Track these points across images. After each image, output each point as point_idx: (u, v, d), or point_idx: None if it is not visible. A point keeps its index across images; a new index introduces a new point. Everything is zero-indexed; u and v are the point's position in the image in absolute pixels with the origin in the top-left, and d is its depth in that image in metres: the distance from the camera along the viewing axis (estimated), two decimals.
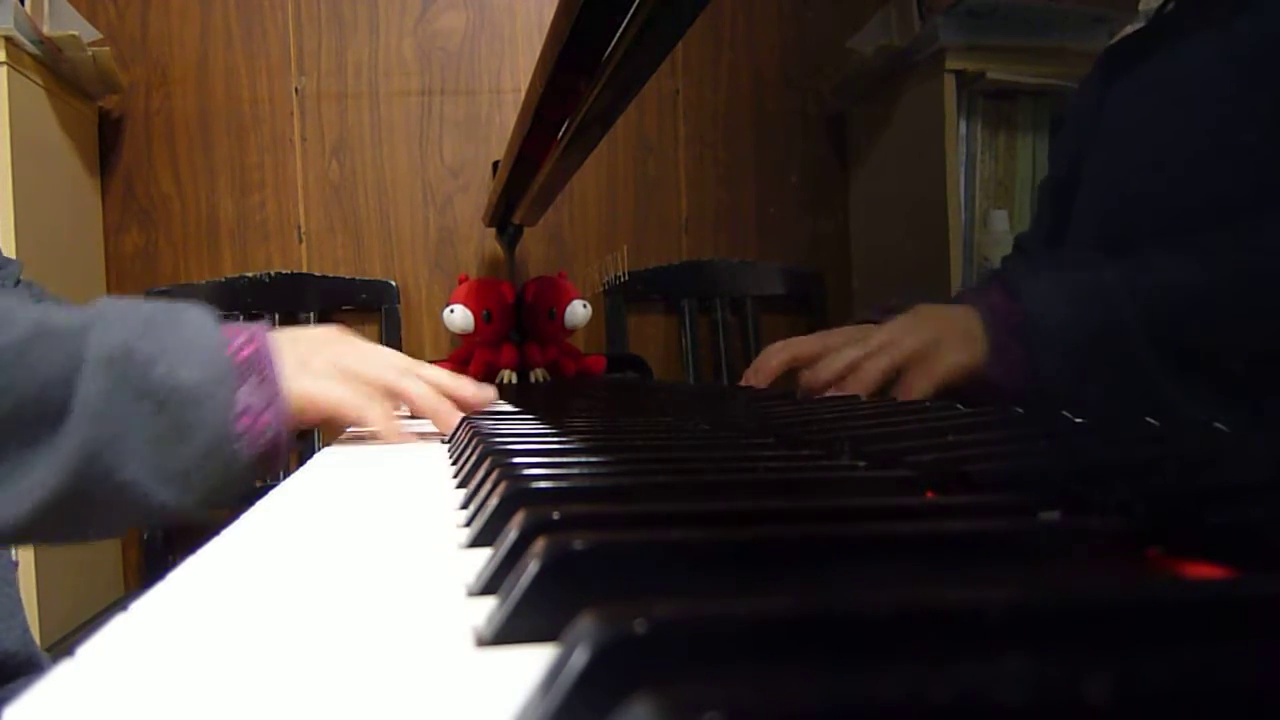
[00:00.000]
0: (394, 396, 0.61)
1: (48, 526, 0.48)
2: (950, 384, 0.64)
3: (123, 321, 0.49)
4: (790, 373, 0.83)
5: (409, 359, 0.66)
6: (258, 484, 0.51)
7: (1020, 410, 0.45)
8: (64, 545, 0.55)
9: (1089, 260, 0.59)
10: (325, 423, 0.59)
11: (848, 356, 0.71)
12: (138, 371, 0.48)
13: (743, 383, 0.89)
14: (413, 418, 0.69)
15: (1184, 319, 0.48)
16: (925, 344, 0.65)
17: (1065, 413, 0.42)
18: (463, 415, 0.63)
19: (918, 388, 0.65)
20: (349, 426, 0.62)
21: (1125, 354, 0.48)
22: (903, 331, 0.69)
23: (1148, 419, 0.37)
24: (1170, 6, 0.65)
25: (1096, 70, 0.72)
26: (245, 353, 0.52)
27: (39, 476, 0.46)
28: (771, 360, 0.85)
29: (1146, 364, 0.46)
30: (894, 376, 0.68)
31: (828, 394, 0.72)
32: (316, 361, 0.58)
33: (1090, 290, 0.53)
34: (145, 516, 0.49)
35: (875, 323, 0.81)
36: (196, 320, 0.51)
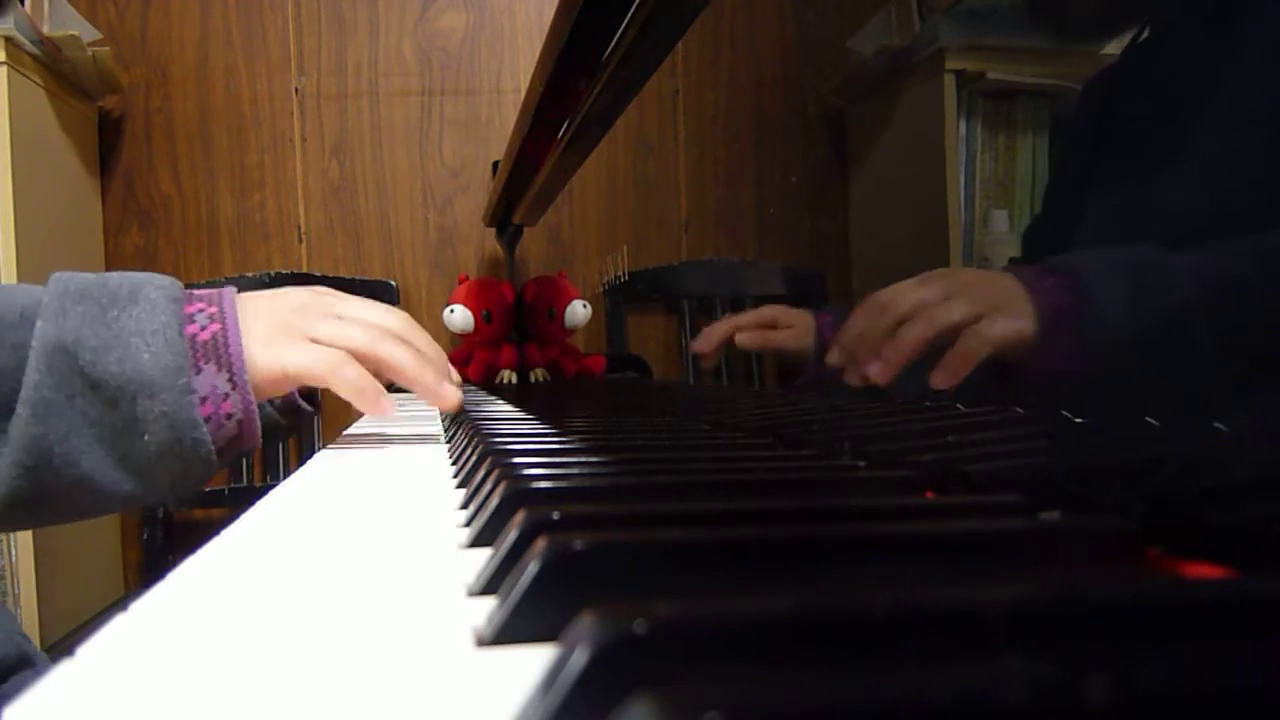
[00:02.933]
0: (372, 362, 0.56)
1: (6, 521, 0.47)
2: (999, 358, 0.56)
3: (75, 305, 0.47)
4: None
5: (398, 319, 0.61)
6: (261, 478, 0.50)
7: (1023, 409, 0.44)
8: (35, 529, 0.55)
9: (1148, 251, 0.54)
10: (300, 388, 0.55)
11: (874, 326, 0.60)
12: (88, 360, 0.45)
13: (693, 348, 0.89)
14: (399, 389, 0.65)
15: (1245, 307, 0.46)
16: (970, 313, 0.56)
17: (1064, 412, 0.42)
18: (448, 388, 0.59)
19: (961, 364, 0.54)
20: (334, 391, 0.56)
21: (1186, 337, 0.46)
22: (939, 294, 0.59)
23: (1148, 419, 0.37)
24: (1145, 36, 0.63)
25: (1080, 107, 0.70)
26: (206, 333, 0.49)
27: None
28: (717, 331, 0.84)
29: (1207, 349, 0.45)
30: (930, 350, 0.59)
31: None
32: (287, 328, 0.54)
33: (1148, 268, 0.49)
34: (108, 508, 0.48)
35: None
36: (156, 300, 0.48)
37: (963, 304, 0.58)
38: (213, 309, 0.50)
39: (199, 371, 0.48)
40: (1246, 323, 0.46)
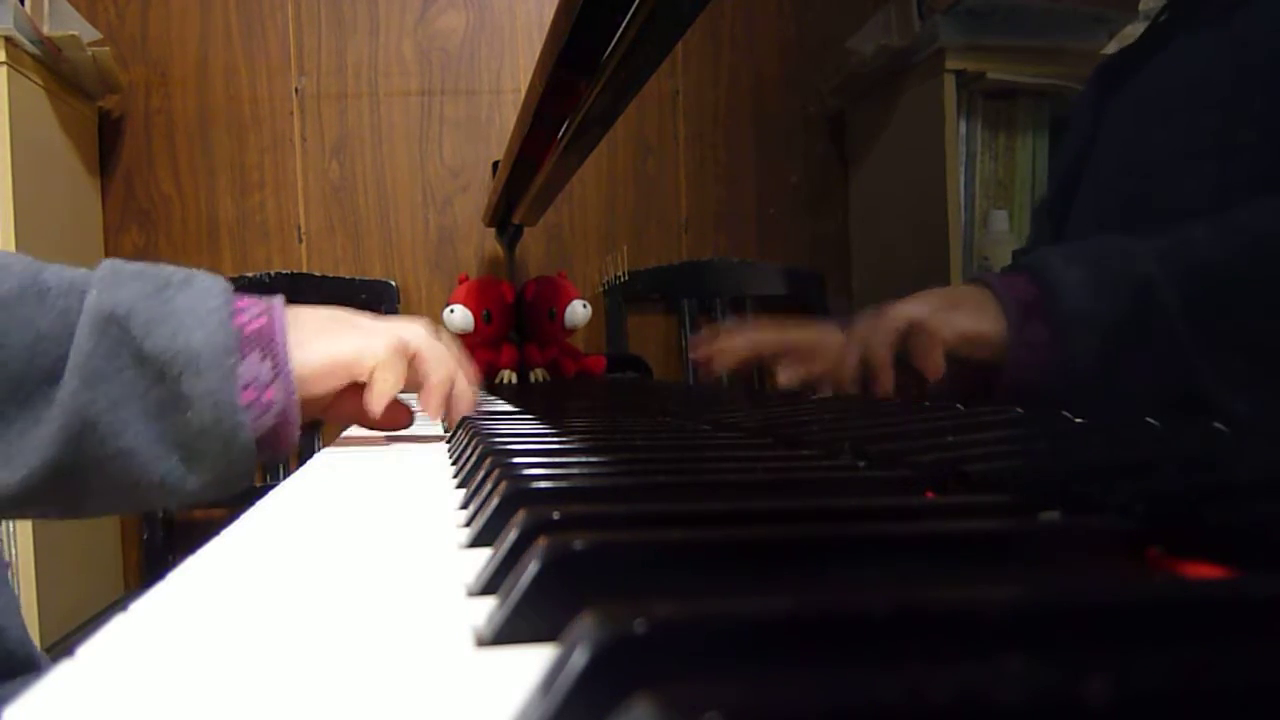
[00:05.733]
0: (416, 357, 0.57)
1: (44, 495, 0.46)
2: (961, 352, 0.56)
3: (131, 280, 0.47)
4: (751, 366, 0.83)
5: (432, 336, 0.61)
6: (261, 478, 0.49)
7: (1024, 409, 0.44)
8: (63, 519, 0.52)
9: (1111, 238, 0.54)
10: (336, 397, 0.56)
11: (849, 344, 0.62)
12: (139, 333, 0.46)
13: (693, 354, 0.89)
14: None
15: (1220, 293, 0.45)
16: (929, 312, 0.58)
17: (1065, 412, 0.42)
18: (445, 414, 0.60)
19: (928, 355, 0.57)
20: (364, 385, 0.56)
21: (1159, 329, 0.45)
22: (901, 305, 0.61)
23: (1148, 419, 0.37)
24: (1164, 16, 0.63)
25: (1091, 86, 0.70)
26: (255, 325, 0.50)
27: (32, 440, 0.45)
28: (732, 346, 0.85)
29: (1181, 340, 0.44)
30: (901, 350, 0.59)
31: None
32: (337, 321, 0.56)
33: (1115, 260, 0.49)
34: (146, 493, 0.47)
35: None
36: (208, 287, 0.49)
37: (920, 302, 0.59)
38: (261, 305, 0.52)
39: (244, 358, 0.48)
40: (1228, 308, 0.44)
